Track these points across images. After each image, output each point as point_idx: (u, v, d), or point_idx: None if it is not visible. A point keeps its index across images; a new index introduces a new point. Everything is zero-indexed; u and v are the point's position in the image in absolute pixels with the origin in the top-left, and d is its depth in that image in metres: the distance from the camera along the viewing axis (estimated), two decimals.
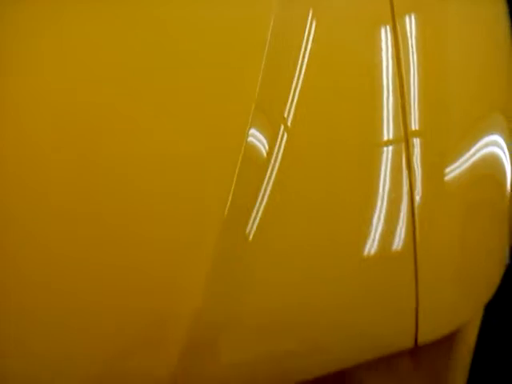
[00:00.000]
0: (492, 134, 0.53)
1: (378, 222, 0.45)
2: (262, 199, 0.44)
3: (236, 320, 0.43)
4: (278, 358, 0.45)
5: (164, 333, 0.41)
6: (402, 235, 0.45)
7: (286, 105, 0.46)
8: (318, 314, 0.45)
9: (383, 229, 0.45)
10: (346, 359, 0.45)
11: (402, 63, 0.49)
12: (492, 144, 0.53)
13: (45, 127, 0.44)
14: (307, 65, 0.47)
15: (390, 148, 0.48)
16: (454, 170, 0.49)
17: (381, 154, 0.47)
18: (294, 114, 0.46)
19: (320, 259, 0.45)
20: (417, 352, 0.49)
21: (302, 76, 0.47)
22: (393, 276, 0.45)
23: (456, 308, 0.47)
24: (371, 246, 0.45)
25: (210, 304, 0.41)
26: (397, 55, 0.49)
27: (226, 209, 0.42)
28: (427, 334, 0.44)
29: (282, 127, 0.46)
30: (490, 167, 0.53)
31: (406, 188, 0.46)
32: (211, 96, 0.45)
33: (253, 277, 0.43)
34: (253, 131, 0.44)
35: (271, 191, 0.44)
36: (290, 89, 0.47)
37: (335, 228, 0.45)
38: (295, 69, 0.47)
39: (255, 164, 0.44)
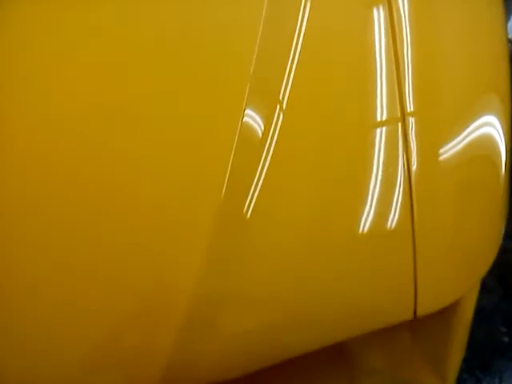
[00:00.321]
0: (487, 114, 0.54)
1: (376, 199, 0.46)
2: (259, 178, 0.44)
3: (234, 294, 0.43)
4: (275, 330, 0.46)
5: (163, 307, 0.42)
6: (400, 210, 0.46)
7: (281, 86, 0.47)
8: (316, 287, 0.45)
9: (381, 205, 0.46)
10: (347, 331, 0.45)
11: (398, 43, 0.50)
12: (487, 125, 0.53)
13: (41, 125, 0.45)
14: (302, 45, 0.47)
15: (387, 127, 0.48)
16: (449, 150, 0.50)
17: (378, 132, 0.48)
18: (290, 95, 0.46)
19: (317, 235, 0.45)
20: (415, 326, 0.50)
21: (296, 57, 0.47)
22: (391, 250, 0.46)
23: (453, 281, 0.48)
24: (370, 222, 0.45)
25: (208, 278, 0.42)
26: (393, 35, 0.50)
27: (224, 187, 0.43)
28: (425, 306, 0.45)
29: (278, 108, 0.46)
30: (485, 148, 0.53)
31: (403, 165, 0.47)
32: (206, 78, 0.46)
33: (251, 252, 0.44)
34: (248, 112, 0.45)
35: (268, 170, 0.44)
36: (285, 70, 0.47)
37: (333, 204, 0.46)
38: (290, 50, 0.47)
39: (251, 143, 0.45)
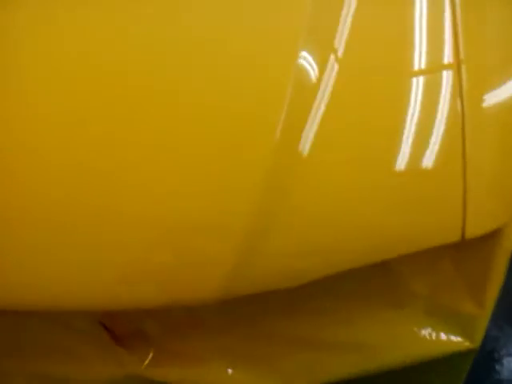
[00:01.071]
0: None
1: (435, 135, 0.50)
2: (314, 119, 0.48)
3: (288, 221, 0.48)
4: (329, 246, 0.50)
5: (224, 227, 0.48)
6: (455, 145, 0.50)
7: (335, 34, 0.51)
8: (370, 213, 0.50)
9: (440, 140, 0.50)
10: (404, 248, 0.50)
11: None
12: None
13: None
14: None
15: (444, 72, 0.52)
16: (496, 95, 0.54)
17: (436, 76, 0.52)
18: (345, 43, 0.50)
19: (372, 169, 0.50)
20: (458, 254, 0.54)
21: (352, 5, 0.51)
22: (445, 179, 0.50)
23: (498, 209, 0.52)
24: (430, 154, 0.50)
25: (264, 205, 0.47)
26: None
27: (280, 125, 0.47)
28: (473, 229, 0.49)
29: (333, 54, 0.50)
30: None
31: (457, 106, 0.51)
32: (262, 20, 0.51)
33: (305, 183, 0.48)
34: (303, 53, 0.49)
35: (323, 112, 0.49)
36: (340, 18, 0.51)
37: (390, 143, 0.50)
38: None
39: (306, 86, 0.49)
